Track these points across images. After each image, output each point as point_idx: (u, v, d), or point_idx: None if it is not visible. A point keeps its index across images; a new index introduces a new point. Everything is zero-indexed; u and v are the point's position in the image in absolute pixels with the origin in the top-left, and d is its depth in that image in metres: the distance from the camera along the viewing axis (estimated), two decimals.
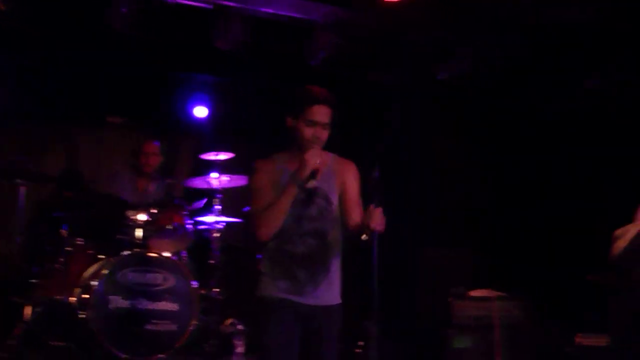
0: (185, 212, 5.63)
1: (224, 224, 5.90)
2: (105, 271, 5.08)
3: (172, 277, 5.24)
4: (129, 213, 5.46)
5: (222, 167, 5.92)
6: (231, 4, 5.59)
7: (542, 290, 6.31)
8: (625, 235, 4.14)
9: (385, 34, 6.05)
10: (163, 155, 6.31)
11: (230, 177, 5.87)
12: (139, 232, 5.40)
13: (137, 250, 5.29)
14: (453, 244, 7.00)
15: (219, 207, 5.88)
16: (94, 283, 5.04)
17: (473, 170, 7.58)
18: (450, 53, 6.20)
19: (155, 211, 5.49)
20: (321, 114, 3.38)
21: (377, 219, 3.17)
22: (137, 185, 6.20)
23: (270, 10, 5.78)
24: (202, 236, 5.95)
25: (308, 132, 3.37)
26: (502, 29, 5.99)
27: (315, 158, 3.34)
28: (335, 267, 3.50)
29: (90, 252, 5.44)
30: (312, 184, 3.36)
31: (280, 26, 5.99)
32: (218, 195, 5.90)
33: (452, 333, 5.81)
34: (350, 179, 3.55)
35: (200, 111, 7.16)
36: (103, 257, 5.36)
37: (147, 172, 6.20)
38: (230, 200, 6.06)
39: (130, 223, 5.44)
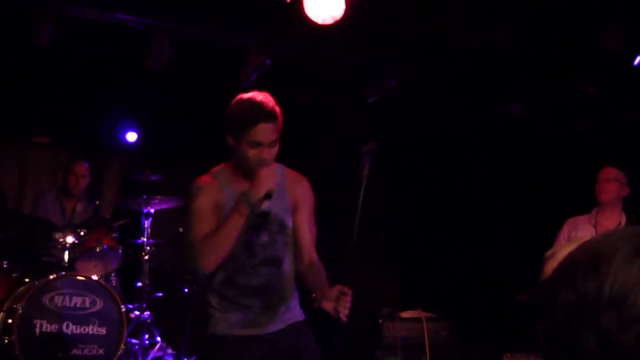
0: (114, 234, 5.55)
1: (153, 246, 5.84)
2: (31, 294, 4.96)
3: (100, 300, 5.15)
4: (56, 235, 5.35)
5: (151, 189, 5.87)
6: (162, 25, 5.56)
7: (471, 310, 6.45)
8: (556, 256, 4.25)
9: (315, 56, 6.12)
10: (90, 176, 6.21)
11: (160, 198, 5.82)
12: (65, 254, 5.30)
13: (64, 273, 5.19)
14: (381, 265, 7.08)
15: (148, 229, 5.82)
16: (19, 307, 4.91)
17: (402, 191, 7.70)
18: (378, 75, 6.30)
19: (82, 233, 5.40)
20: (266, 132, 2.95)
21: (346, 305, 2.82)
22: (64, 206, 6.07)
23: (202, 32, 5.78)
24: (131, 258, 5.87)
25: (252, 153, 2.96)
26: (427, 51, 6.14)
27: (270, 178, 2.96)
28: (293, 293, 3.20)
29: (15, 275, 5.30)
30: (265, 206, 3.00)
31: (211, 48, 6.00)
32: (147, 217, 5.85)
33: (382, 354, 5.86)
34: (303, 198, 3.21)
35: (130, 136, 7.08)
36: (28, 280, 5.23)
37: (73, 192, 6.08)
38: (160, 222, 6.01)
39: (57, 245, 5.34)
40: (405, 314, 6.07)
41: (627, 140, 5.96)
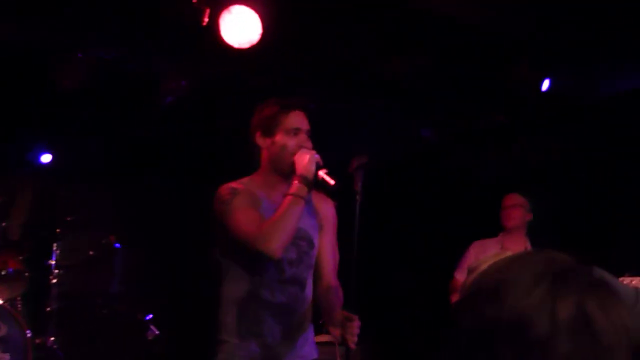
0: (20, 256, 5.40)
1: (63, 269, 5.70)
2: None
3: (4, 325, 4.98)
4: None
5: (62, 210, 5.75)
6: (77, 45, 5.49)
7: (386, 335, 6.52)
8: (479, 269, 4.36)
9: (232, 80, 6.13)
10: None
11: (70, 220, 5.70)
12: None
13: None
14: None
15: (57, 251, 5.68)
16: None
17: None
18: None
19: None
20: (302, 119, 2.95)
21: (353, 332, 2.73)
22: None
23: (117, 54, 5.72)
24: (39, 282, 5.71)
25: (292, 143, 2.89)
26: (343, 77, 6.23)
27: (311, 152, 2.86)
28: (310, 324, 3.05)
29: None
30: (322, 174, 2.85)
31: (127, 69, 5.94)
32: (57, 239, 5.71)
33: None
34: (328, 218, 3.10)
35: (45, 157, 6.93)
36: None
37: None
38: (70, 244, 5.88)
39: None
40: (318, 338, 6.08)
41: (529, 167, 6.19)
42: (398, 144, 6.94)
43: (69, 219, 5.69)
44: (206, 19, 4.86)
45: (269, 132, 2.95)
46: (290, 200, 2.78)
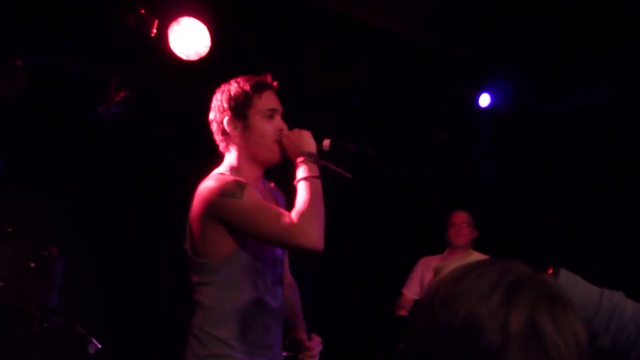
0: None
1: (2, 281, 5.54)
2: None
3: None
4: None
5: (2, 220, 5.59)
6: (19, 51, 5.38)
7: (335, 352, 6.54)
8: (444, 271, 4.39)
9: (177, 92, 6.09)
10: None
11: (4, 230, 5.54)
12: None
13: None
14: None
15: None
16: None
17: None
18: None
19: None
20: (276, 99, 2.70)
21: (317, 350, 2.60)
22: None
23: (60, 62, 5.63)
24: None
25: (269, 126, 2.62)
26: (287, 91, 6.25)
27: (301, 130, 2.58)
28: None
29: None
30: (326, 145, 2.60)
31: (71, 77, 5.85)
32: None
33: None
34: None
35: None
36: None
37: None
38: (8, 255, 5.72)
39: None
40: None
41: (475, 183, 6.31)
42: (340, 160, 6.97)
43: (8, 229, 5.55)
44: (154, 30, 4.83)
45: (241, 115, 2.66)
46: (309, 184, 2.51)
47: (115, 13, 4.88)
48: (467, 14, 5.36)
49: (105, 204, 7.07)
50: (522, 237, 5.79)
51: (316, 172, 2.55)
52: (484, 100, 5.83)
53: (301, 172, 2.53)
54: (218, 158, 6.99)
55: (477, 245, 5.25)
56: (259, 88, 2.68)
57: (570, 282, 1.31)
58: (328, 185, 2.69)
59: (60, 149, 6.94)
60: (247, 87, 2.68)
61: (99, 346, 5.47)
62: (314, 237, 2.41)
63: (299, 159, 2.55)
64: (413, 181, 6.69)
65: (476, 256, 5.10)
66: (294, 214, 2.44)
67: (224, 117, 2.68)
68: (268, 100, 2.68)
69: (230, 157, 2.72)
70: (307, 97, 6.27)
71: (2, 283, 5.51)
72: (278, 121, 2.69)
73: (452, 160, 6.48)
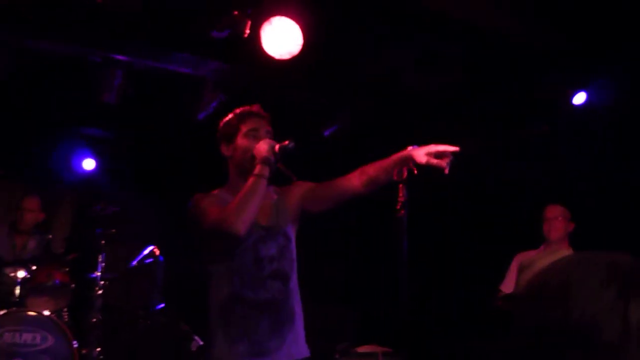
0: (66, 268, 5.45)
1: (107, 280, 5.74)
2: None
3: (51, 336, 5.04)
4: (7, 270, 5.25)
5: (105, 222, 5.79)
6: (117, 57, 5.55)
7: (426, 345, 6.47)
8: (532, 267, 4.32)
9: (271, 91, 6.16)
10: (44, 211, 6.10)
11: (113, 232, 5.75)
12: (16, 290, 5.19)
13: (14, 308, 5.07)
14: (338, 300, 7.08)
15: (102, 263, 5.73)
16: None
17: (354, 225, 7.74)
18: (331, 112, 6.37)
19: (34, 268, 5.30)
20: (259, 122, 3.11)
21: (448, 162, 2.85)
22: (16, 242, 5.95)
23: (158, 65, 5.77)
24: (84, 293, 5.76)
25: (252, 144, 3.01)
26: (377, 92, 6.23)
27: (268, 140, 3.00)
28: (299, 315, 3.08)
29: None
30: (288, 144, 2.96)
31: (167, 80, 5.99)
32: (101, 252, 5.75)
33: None
34: (298, 187, 3.17)
35: (88, 164, 7.00)
36: None
37: (23, 228, 5.96)
38: (114, 256, 5.93)
39: (7, 280, 5.23)
40: (361, 349, 6.06)
41: (569, 178, 6.12)
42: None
43: (113, 231, 5.74)
44: (247, 31, 4.89)
45: (230, 139, 3.10)
46: (253, 180, 2.90)
47: (209, 16, 4.96)
48: (563, 8, 5.18)
49: None
50: (622, 231, 5.56)
51: (264, 172, 2.91)
52: (580, 97, 5.66)
53: (254, 171, 2.94)
54: (315, 157, 7.02)
55: (576, 240, 5.07)
56: (243, 115, 3.12)
57: None
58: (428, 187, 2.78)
59: (162, 152, 7.14)
60: (234, 116, 3.15)
61: (201, 343, 5.59)
62: (236, 224, 2.79)
63: (257, 163, 2.95)
64: (509, 176, 6.54)
65: (567, 252, 4.95)
66: (228, 205, 2.90)
67: (220, 144, 3.16)
68: (251, 123, 3.09)
69: (229, 177, 3.19)
70: (399, 96, 6.23)
71: (107, 283, 5.71)
72: (261, 138, 3.05)
73: (548, 155, 6.30)
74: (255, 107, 3.18)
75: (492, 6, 5.16)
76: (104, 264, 5.69)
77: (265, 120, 3.16)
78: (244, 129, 3.08)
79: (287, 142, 2.98)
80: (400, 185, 2.91)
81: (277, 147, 2.97)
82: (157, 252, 5.73)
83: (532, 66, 5.60)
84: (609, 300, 0.99)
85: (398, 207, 2.86)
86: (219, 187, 3.18)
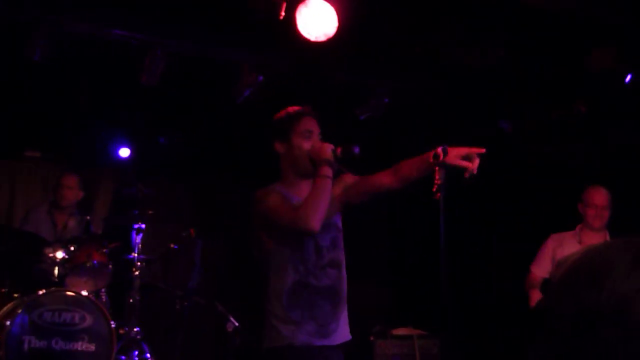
0: (104, 249, 5.52)
1: (144, 261, 5.80)
2: (19, 310, 4.91)
3: (90, 316, 5.10)
4: (46, 250, 5.32)
5: (143, 204, 5.84)
6: (156, 40, 5.57)
7: (462, 328, 6.43)
8: (568, 261, 4.25)
9: (308, 73, 6.13)
10: (82, 190, 6.17)
11: (151, 214, 5.79)
12: (55, 270, 5.27)
13: (54, 288, 5.15)
14: (374, 282, 7.07)
15: (139, 244, 5.78)
16: (8, 323, 4.86)
17: (397, 208, 7.70)
18: (370, 93, 6.31)
19: (73, 248, 5.37)
20: (313, 123, 3.28)
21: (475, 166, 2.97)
22: (56, 221, 6.04)
23: (195, 47, 5.79)
24: (122, 274, 5.83)
25: (307, 144, 3.22)
26: (419, 69, 6.16)
27: (325, 143, 3.20)
28: (346, 305, 3.34)
29: (4, 290, 5.25)
30: (343, 153, 3.16)
31: (205, 63, 6.00)
32: (138, 233, 5.81)
33: None
34: (341, 182, 3.38)
35: (123, 152, 7.06)
36: (17, 295, 5.19)
37: (64, 205, 6.02)
38: (151, 237, 5.98)
39: (47, 260, 5.30)
40: (396, 331, 6.06)
41: (616, 159, 5.98)
42: (476, 136, 6.82)
43: (150, 212, 5.79)
44: (283, 13, 4.87)
45: (285, 137, 3.26)
46: (318, 180, 3.12)
47: None
48: None
49: (240, 188, 7.23)
50: None
51: (328, 173, 3.14)
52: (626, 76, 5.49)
53: (318, 172, 3.15)
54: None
55: (615, 225, 4.95)
56: (298, 114, 3.27)
57: None
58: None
59: (198, 134, 7.17)
60: (288, 115, 3.29)
61: (237, 324, 5.63)
62: (311, 222, 3.04)
63: (319, 165, 3.16)
64: (548, 155, 6.44)
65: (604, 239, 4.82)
66: (300, 205, 3.12)
67: (274, 141, 3.31)
68: (306, 124, 3.25)
69: (283, 173, 3.36)
70: (441, 72, 6.15)
71: (144, 264, 5.77)
72: (314, 140, 3.24)
73: (591, 133, 6.18)
74: (308, 109, 3.33)
75: None
76: (140, 245, 5.75)
77: (317, 121, 3.31)
78: (299, 128, 3.24)
79: (352, 147, 3.16)
80: (437, 168, 2.92)
81: (339, 150, 3.16)
82: (194, 232, 5.77)
83: (579, 42, 5.47)
84: (638, 280, 0.99)
85: (434, 189, 2.96)
86: (274, 182, 3.34)
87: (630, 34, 5.31)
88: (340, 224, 3.38)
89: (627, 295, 0.98)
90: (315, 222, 3.04)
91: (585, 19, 5.25)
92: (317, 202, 3.06)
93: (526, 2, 5.12)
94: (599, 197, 4.98)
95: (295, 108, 3.33)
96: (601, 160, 6.08)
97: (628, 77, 5.51)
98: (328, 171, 3.13)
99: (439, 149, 2.98)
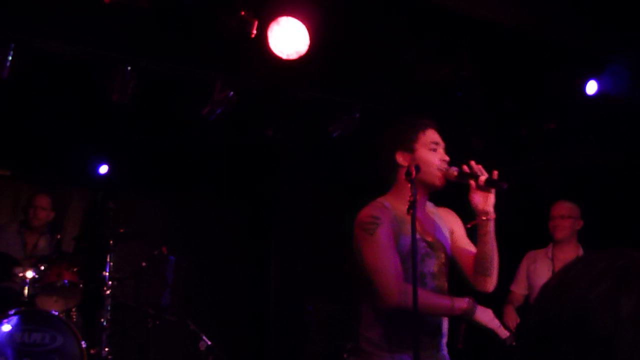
0: (75, 268, 5.47)
1: (116, 280, 5.75)
2: None
3: (60, 336, 5.05)
4: (16, 269, 5.27)
5: (114, 222, 5.81)
6: (127, 58, 5.55)
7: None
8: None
9: (280, 91, 6.15)
10: (54, 210, 6.13)
11: (123, 232, 5.76)
12: (25, 289, 5.21)
13: (23, 308, 5.09)
14: (346, 299, 7.07)
15: (111, 263, 5.74)
16: None
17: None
18: (342, 110, 6.35)
19: (43, 267, 5.32)
20: (437, 135, 3.09)
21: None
22: (26, 241, 5.98)
23: (167, 65, 5.78)
24: (93, 293, 5.78)
25: (434, 156, 3.02)
26: (389, 87, 6.21)
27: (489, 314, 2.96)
28: (446, 335, 3.09)
29: None
30: (502, 184, 3.00)
31: (176, 81, 6.00)
32: (110, 251, 5.76)
33: None
34: (457, 223, 3.22)
35: (102, 169, 7.03)
36: None
37: (35, 225, 5.99)
38: (123, 256, 5.95)
39: (17, 279, 5.24)
40: None
41: (580, 174, 6.07)
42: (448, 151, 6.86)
43: (121, 230, 5.75)
44: (255, 31, 4.89)
45: (409, 149, 3.03)
46: (445, 305, 2.89)
47: (216, 16, 4.97)
48: None
49: (213, 205, 7.23)
50: (635, 227, 5.51)
51: (456, 311, 2.91)
52: (591, 87, 5.56)
53: (461, 303, 2.91)
54: (318, 157, 7.00)
55: (586, 237, 5.01)
56: (423, 125, 3.07)
57: None
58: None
59: (170, 151, 7.15)
60: (413, 126, 3.09)
61: (209, 343, 5.60)
62: (392, 306, 2.84)
63: (464, 304, 2.92)
64: (520, 173, 6.51)
65: (575, 252, 4.87)
66: (404, 290, 2.81)
67: (395, 151, 3.08)
68: (432, 136, 3.06)
69: (398, 185, 3.09)
70: (410, 91, 6.20)
71: (116, 282, 5.72)
72: (441, 153, 3.05)
73: (560, 150, 6.26)
74: (430, 119, 3.16)
75: None
76: (112, 264, 5.70)
77: (440, 135, 3.13)
78: (427, 138, 3.06)
79: (503, 184, 3.03)
80: (409, 185, 2.93)
81: (482, 179, 2.97)
82: (166, 250, 5.75)
83: (541, 58, 5.55)
84: (602, 292, 1.00)
85: (406, 206, 2.91)
86: (385, 195, 3.12)
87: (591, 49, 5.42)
88: (448, 250, 3.14)
89: (589, 306, 0.99)
90: (396, 309, 2.83)
91: (543, 38, 5.35)
92: (417, 308, 2.71)
93: (494, 20, 5.21)
94: (557, 208, 5.07)
95: (420, 119, 3.15)
96: (567, 176, 6.17)
97: (593, 87, 5.58)
98: (459, 311, 2.89)
99: (412, 166, 2.95)
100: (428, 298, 2.85)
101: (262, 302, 7.03)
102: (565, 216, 5.04)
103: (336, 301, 6.89)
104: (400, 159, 3.06)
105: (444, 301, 2.91)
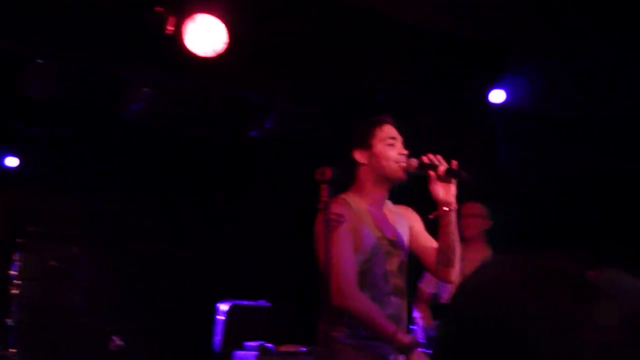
0: None
1: (24, 280, 5.60)
2: None
3: None
4: None
5: (25, 219, 5.66)
6: (42, 52, 5.42)
7: None
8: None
9: (199, 89, 6.10)
10: None
11: (33, 229, 5.62)
12: None
13: None
14: (263, 300, 7.05)
15: (19, 262, 5.58)
16: None
17: (286, 221, 7.72)
18: (259, 109, 6.33)
19: None
20: (394, 131, 3.12)
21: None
22: None
23: (83, 61, 5.66)
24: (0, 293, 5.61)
25: (392, 151, 3.06)
26: (309, 86, 6.22)
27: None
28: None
29: None
30: (462, 174, 3.01)
31: (91, 76, 5.88)
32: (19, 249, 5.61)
33: None
34: (416, 219, 3.25)
35: (10, 161, 6.79)
36: None
37: None
38: (33, 254, 5.80)
39: None
40: (284, 347, 6.05)
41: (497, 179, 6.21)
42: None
43: (31, 229, 5.60)
44: (170, 27, 4.82)
45: (366, 145, 3.09)
46: (385, 332, 2.88)
47: (132, 12, 4.89)
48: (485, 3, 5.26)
49: (127, 204, 7.11)
50: (554, 232, 5.66)
51: (394, 341, 2.90)
52: (498, 95, 5.70)
53: (402, 338, 2.91)
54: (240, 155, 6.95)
55: (496, 240, 5.13)
56: (383, 120, 3.12)
57: (613, 275, 1.24)
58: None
59: (86, 149, 7.00)
60: (369, 123, 3.14)
61: (121, 343, 5.52)
62: (337, 300, 2.85)
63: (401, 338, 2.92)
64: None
65: (483, 251, 4.98)
66: (358, 296, 2.91)
67: (353, 149, 3.14)
68: (390, 130, 3.11)
69: (358, 182, 3.15)
70: (330, 92, 6.22)
71: (25, 282, 5.58)
72: (400, 147, 3.09)
73: (473, 155, 6.36)
74: (385, 115, 3.19)
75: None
76: (21, 263, 5.55)
77: (398, 129, 3.17)
78: (384, 134, 3.10)
79: (463, 174, 3.03)
80: (323, 185, 2.92)
81: (442, 169, 2.99)
82: (77, 250, 5.63)
83: (454, 60, 5.65)
84: (515, 292, 0.99)
85: (320, 206, 2.93)
86: (347, 192, 3.15)
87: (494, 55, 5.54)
88: (406, 247, 3.18)
89: (503, 305, 0.99)
90: (347, 311, 2.89)
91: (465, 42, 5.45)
92: (361, 318, 2.89)
93: (413, 22, 5.28)
94: (466, 207, 5.13)
95: (378, 116, 3.18)
96: (485, 180, 6.29)
97: (499, 96, 5.71)
98: (396, 341, 2.89)
99: (325, 169, 2.96)
100: (376, 316, 2.91)
101: (179, 301, 6.94)
102: (473, 215, 5.14)
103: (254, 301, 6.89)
104: (358, 155, 3.12)
105: (388, 326, 2.91)
